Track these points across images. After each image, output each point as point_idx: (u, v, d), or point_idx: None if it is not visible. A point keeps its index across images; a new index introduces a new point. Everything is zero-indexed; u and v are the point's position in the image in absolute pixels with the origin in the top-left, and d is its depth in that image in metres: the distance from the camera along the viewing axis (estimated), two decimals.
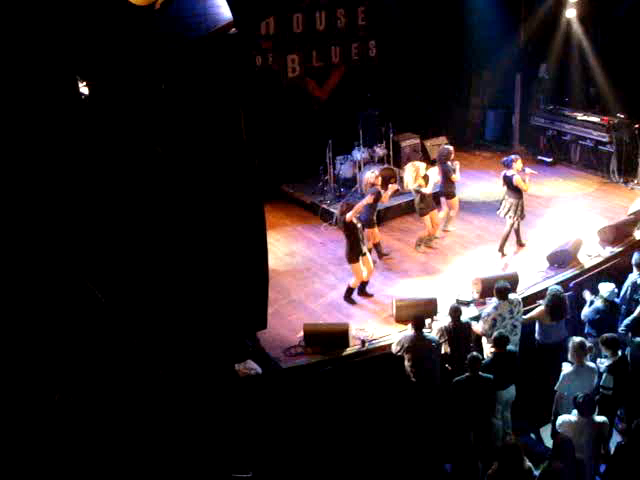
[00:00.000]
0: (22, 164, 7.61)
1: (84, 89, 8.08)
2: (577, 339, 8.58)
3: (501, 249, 12.41)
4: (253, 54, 14.23)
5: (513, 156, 12.26)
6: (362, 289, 11.36)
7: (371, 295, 11.36)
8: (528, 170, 12.40)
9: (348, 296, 11.25)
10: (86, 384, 8.12)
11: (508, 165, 12.10)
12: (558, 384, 8.58)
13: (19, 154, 7.58)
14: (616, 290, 9.70)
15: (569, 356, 8.58)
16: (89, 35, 7.78)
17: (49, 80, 7.72)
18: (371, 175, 12.04)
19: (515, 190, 11.99)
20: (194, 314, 8.98)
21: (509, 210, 12.10)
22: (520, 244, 12.63)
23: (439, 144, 16.71)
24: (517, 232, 12.52)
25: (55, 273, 8.04)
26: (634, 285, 10.02)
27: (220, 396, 8.71)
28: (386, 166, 14.53)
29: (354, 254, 10.87)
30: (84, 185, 8.09)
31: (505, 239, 12.39)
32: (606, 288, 9.64)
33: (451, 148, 13.03)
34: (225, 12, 8.55)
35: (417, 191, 12.37)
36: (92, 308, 8.18)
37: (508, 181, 12.05)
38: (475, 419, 8.65)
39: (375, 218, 12.10)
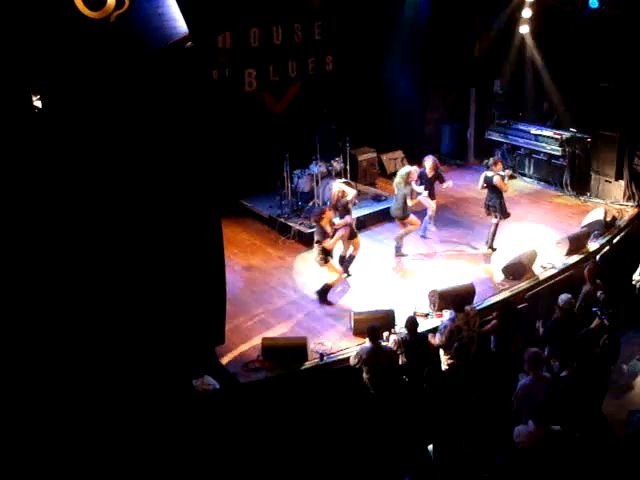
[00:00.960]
0: None
1: (37, 102, 7.99)
2: (532, 350, 8.65)
3: (490, 247, 13.03)
4: (210, 68, 14.21)
5: (494, 158, 13.00)
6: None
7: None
8: (507, 172, 13.00)
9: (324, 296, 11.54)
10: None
11: (489, 167, 12.70)
12: (514, 395, 8.64)
13: None
14: (573, 300, 9.83)
15: (525, 367, 8.65)
16: (43, 48, 7.70)
17: (1, 93, 7.62)
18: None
19: (495, 191, 12.57)
20: (150, 330, 8.89)
21: (493, 210, 12.72)
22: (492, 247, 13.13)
23: (395, 158, 16.92)
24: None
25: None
26: (588, 296, 10.16)
27: (178, 412, 8.62)
28: (344, 180, 14.58)
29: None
30: (37, 200, 7.98)
31: (493, 236, 12.97)
32: (563, 298, 9.78)
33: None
34: (181, 26, 8.53)
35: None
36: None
37: (489, 182, 12.57)
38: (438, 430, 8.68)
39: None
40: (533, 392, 8.44)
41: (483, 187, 12.82)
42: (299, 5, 15.47)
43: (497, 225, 12.91)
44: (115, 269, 8.56)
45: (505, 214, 12.78)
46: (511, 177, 13.40)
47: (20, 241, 7.96)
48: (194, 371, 9.27)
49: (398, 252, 13.07)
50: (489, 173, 12.63)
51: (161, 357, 8.94)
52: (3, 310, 8.00)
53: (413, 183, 12.79)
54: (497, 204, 12.66)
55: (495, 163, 12.70)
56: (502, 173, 12.61)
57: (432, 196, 13.47)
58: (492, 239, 13.04)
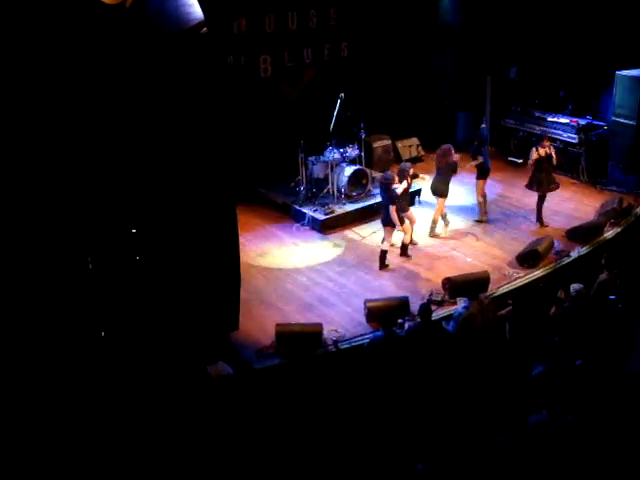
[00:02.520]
0: None
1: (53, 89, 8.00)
2: (548, 339, 8.63)
3: (539, 220, 13.58)
4: (225, 54, 14.18)
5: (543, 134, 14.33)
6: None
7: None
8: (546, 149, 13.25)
9: (404, 251, 12.56)
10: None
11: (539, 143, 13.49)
12: (528, 383, 8.62)
13: None
14: (584, 290, 9.78)
15: (540, 356, 8.63)
16: (58, 34, 7.69)
17: (18, 81, 7.64)
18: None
19: (535, 166, 13.23)
20: (165, 315, 8.93)
21: (533, 184, 13.43)
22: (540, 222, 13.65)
23: (410, 145, 16.84)
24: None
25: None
26: (604, 285, 10.10)
27: (192, 397, 8.66)
28: (358, 167, 14.56)
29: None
30: (56, 187, 8.01)
31: (539, 211, 13.52)
32: (575, 287, 9.75)
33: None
34: (197, 11, 8.51)
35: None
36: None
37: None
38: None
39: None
40: (547, 381, 8.42)
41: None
42: None
43: (542, 199, 13.45)
44: (130, 255, 8.59)
45: (541, 188, 13.33)
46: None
47: (46, 221, 8.00)
48: (208, 357, 9.30)
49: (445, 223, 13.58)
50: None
51: (176, 343, 8.97)
52: (24, 290, 8.06)
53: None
54: (537, 178, 13.25)
55: (543, 139, 13.41)
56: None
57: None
58: (538, 215, 13.57)
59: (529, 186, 13.52)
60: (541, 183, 13.25)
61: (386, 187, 11.95)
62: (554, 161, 13.25)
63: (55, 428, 7.98)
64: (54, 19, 7.62)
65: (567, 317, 9.57)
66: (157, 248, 8.76)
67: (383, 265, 12.20)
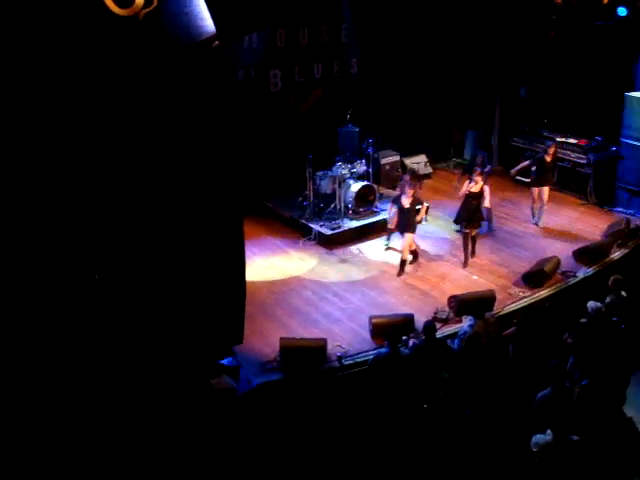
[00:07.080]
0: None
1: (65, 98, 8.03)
2: (554, 361, 8.59)
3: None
4: (235, 68, 14.23)
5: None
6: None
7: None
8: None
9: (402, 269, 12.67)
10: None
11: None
12: (534, 403, 8.58)
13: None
14: (603, 308, 9.78)
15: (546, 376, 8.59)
16: (71, 45, 7.74)
17: (31, 90, 7.68)
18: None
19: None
20: (170, 328, 8.92)
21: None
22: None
23: (418, 162, 16.84)
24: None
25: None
26: (611, 307, 10.06)
27: (195, 410, 8.65)
28: (366, 183, 14.56)
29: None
30: (62, 198, 8.04)
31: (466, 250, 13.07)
32: (592, 305, 9.74)
33: None
34: (209, 25, 8.55)
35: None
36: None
37: None
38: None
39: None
40: (553, 403, 8.38)
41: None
42: (325, 7, 15.44)
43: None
44: (135, 266, 8.59)
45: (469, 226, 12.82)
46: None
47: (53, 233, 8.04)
48: (212, 370, 9.29)
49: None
50: None
51: (180, 355, 8.96)
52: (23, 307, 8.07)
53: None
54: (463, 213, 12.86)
55: (474, 171, 12.68)
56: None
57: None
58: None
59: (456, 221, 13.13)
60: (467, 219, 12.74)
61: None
62: (486, 201, 12.94)
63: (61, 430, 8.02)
64: (67, 28, 7.67)
65: (585, 334, 9.51)
66: (163, 259, 8.76)
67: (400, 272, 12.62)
